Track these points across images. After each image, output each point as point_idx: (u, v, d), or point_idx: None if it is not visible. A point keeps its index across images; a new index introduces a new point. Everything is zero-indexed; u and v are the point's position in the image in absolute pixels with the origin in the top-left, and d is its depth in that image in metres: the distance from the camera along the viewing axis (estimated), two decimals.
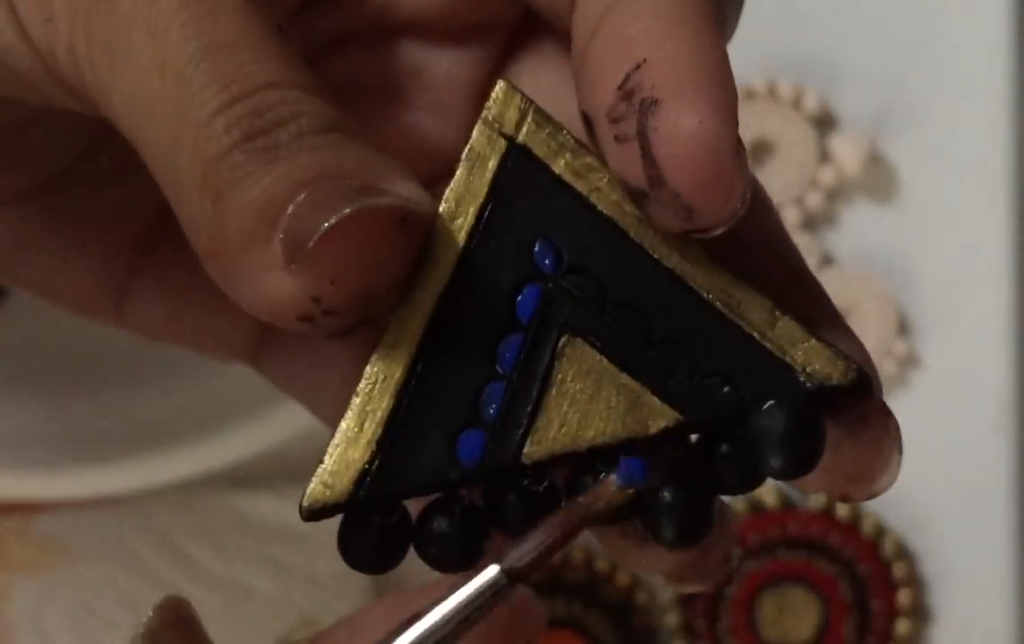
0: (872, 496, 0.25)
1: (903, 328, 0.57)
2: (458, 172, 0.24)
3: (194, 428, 0.51)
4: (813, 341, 0.23)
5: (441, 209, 0.24)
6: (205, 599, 0.53)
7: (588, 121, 0.24)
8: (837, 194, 0.57)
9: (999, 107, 0.57)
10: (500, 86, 0.24)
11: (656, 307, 0.24)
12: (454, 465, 0.23)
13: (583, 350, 0.24)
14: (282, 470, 0.54)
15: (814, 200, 0.57)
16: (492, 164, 0.24)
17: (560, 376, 0.23)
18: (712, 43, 0.23)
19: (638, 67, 0.22)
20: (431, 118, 0.28)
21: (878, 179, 0.57)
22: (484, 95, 0.25)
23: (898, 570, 0.56)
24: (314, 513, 0.23)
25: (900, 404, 0.58)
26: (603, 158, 0.24)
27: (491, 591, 0.22)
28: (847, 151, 0.57)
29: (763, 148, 0.57)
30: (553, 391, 0.23)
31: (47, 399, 0.52)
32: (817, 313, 0.25)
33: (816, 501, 0.56)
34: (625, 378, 0.23)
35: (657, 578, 0.25)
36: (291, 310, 0.22)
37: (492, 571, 0.22)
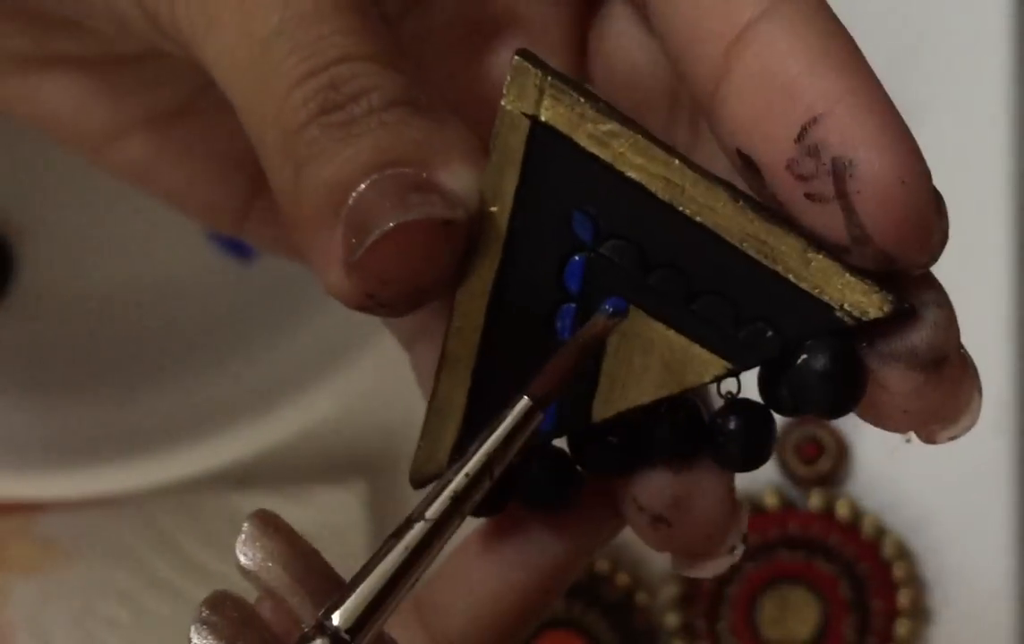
0: (954, 436, 0.25)
1: None
2: (489, 159, 0.25)
3: (194, 428, 0.51)
4: (848, 276, 0.24)
5: (483, 197, 0.24)
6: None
7: (750, 162, 0.24)
8: None
9: (999, 107, 0.56)
10: (515, 63, 0.25)
11: (694, 262, 0.24)
12: (534, 431, 0.25)
13: (631, 313, 0.25)
14: (282, 470, 0.54)
15: None
16: (519, 146, 0.24)
17: (613, 340, 0.25)
18: (879, 87, 0.24)
19: (815, 121, 0.23)
20: (533, 38, 0.29)
21: None
22: (581, 35, 0.27)
23: (898, 570, 0.56)
24: (421, 482, 0.26)
25: None
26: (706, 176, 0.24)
27: (523, 420, 0.24)
28: None
29: None
30: (609, 355, 0.25)
31: (47, 400, 0.52)
32: None
33: (816, 501, 0.56)
34: (672, 335, 0.24)
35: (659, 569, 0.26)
36: (350, 301, 0.24)
37: (522, 402, 0.23)
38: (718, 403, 0.26)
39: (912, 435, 0.25)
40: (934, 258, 0.24)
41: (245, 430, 0.50)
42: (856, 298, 0.24)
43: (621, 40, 0.29)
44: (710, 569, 0.26)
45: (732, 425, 0.25)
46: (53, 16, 0.30)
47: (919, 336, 0.24)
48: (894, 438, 0.26)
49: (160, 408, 0.52)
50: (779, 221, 0.24)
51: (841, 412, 0.24)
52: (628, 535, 0.27)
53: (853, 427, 0.57)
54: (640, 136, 0.24)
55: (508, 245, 0.24)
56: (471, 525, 0.27)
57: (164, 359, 0.53)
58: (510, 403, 0.23)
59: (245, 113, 0.25)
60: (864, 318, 0.24)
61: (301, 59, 0.24)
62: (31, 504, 0.53)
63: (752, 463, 0.25)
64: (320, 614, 0.22)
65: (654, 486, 0.26)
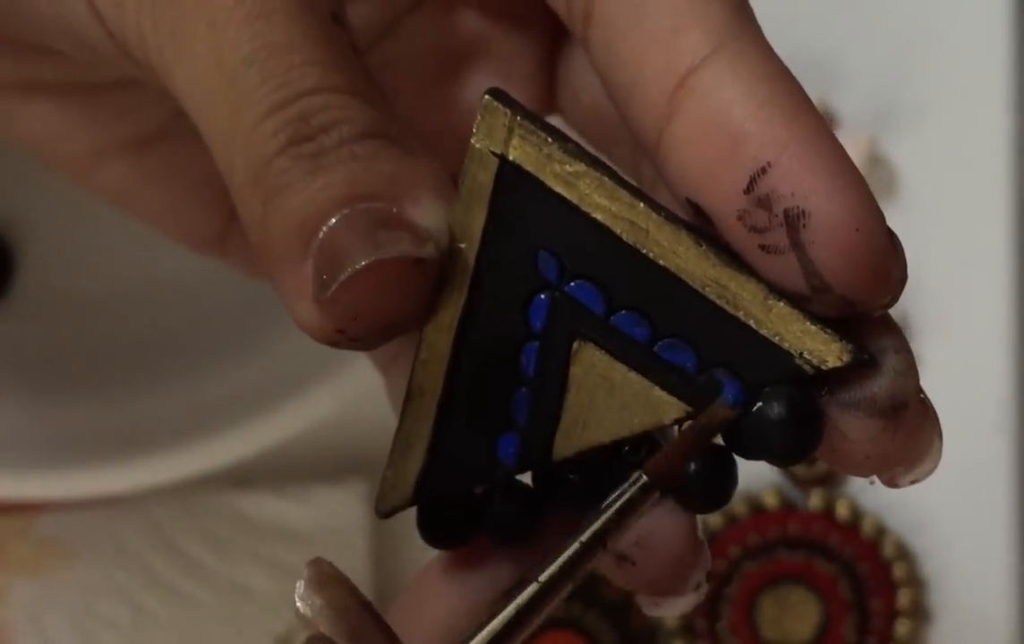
0: (916, 481, 0.26)
1: (903, 328, 0.57)
2: (459, 195, 0.25)
3: (194, 428, 0.51)
4: (808, 324, 0.24)
5: (452, 232, 0.24)
6: (205, 599, 0.53)
7: (700, 210, 0.24)
8: None
9: (999, 107, 0.57)
10: (485, 101, 0.25)
11: (656, 305, 0.24)
12: (496, 466, 0.25)
13: (594, 353, 0.25)
14: (282, 470, 0.54)
15: None
16: (487, 183, 0.25)
17: (576, 379, 0.25)
18: (827, 131, 0.23)
19: (763, 171, 0.23)
20: (497, 84, 0.29)
21: (878, 179, 0.57)
22: (550, 67, 0.27)
23: (898, 570, 0.56)
24: (387, 513, 0.26)
25: None
26: (648, 201, 0.24)
27: (639, 495, 0.24)
28: (847, 151, 0.57)
29: None
30: (572, 394, 0.25)
31: (47, 399, 0.52)
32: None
33: (816, 501, 0.56)
34: (634, 376, 0.25)
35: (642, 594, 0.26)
36: (320, 336, 0.24)
37: (641, 480, 0.24)
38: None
39: (875, 478, 0.26)
40: (895, 298, 0.24)
41: (245, 430, 0.50)
42: (815, 346, 0.24)
43: (587, 75, 0.29)
44: (678, 607, 0.26)
45: (693, 468, 0.25)
46: (29, 43, 0.29)
47: (878, 384, 0.24)
48: None
49: (160, 408, 0.52)
50: (741, 266, 0.24)
51: (797, 460, 0.25)
52: None
53: None
54: (607, 178, 0.24)
55: (475, 281, 0.25)
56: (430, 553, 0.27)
57: (164, 359, 0.53)
58: (629, 480, 0.24)
59: (214, 142, 0.25)
60: (823, 366, 0.24)
61: (272, 89, 0.24)
62: (31, 504, 0.53)
63: (713, 505, 0.25)
64: None
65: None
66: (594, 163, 0.24)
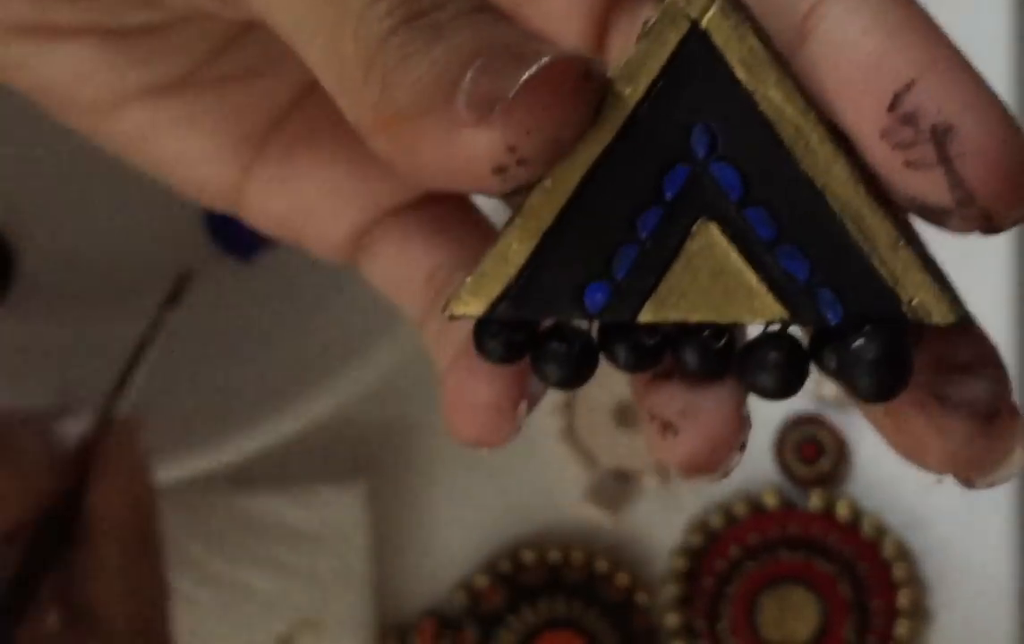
0: (992, 484, 0.26)
1: None
2: (637, 42, 0.25)
3: (194, 428, 0.51)
4: (926, 276, 0.24)
5: (616, 75, 0.25)
6: (205, 599, 0.53)
7: (837, 131, 0.24)
8: None
9: None
10: None
11: (790, 213, 0.25)
12: (579, 307, 0.25)
13: (714, 236, 0.25)
14: (282, 470, 0.54)
15: None
16: (672, 42, 0.25)
17: (688, 253, 0.25)
18: (961, 54, 0.24)
19: (908, 88, 0.23)
20: (550, 29, 0.29)
21: None
22: (602, 27, 0.27)
23: (898, 570, 0.56)
24: (455, 316, 0.26)
25: None
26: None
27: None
28: None
29: None
30: (679, 265, 0.25)
31: (47, 399, 0.52)
32: None
33: (816, 501, 0.56)
34: (745, 269, 0.25)
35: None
36: (486, 162, 0.23)
37: None
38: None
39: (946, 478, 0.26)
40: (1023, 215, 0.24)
41: (245, 430, 0.51)
42: (926, 298, 0.24)
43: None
44: (709, 479, 0.27)
45: (778, 360, 0.25)
46: None
47: (981, 387, 0.25)
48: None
49: (160, 408, 0.52)
50: (884, 204, 0.25)
51: (882, 399, 0.25)
52: (628, 537, 0.27)
53: (853, 427, 0.57)
54: (788, 78, 0.25)
55: (624, 129, 0.25)
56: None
57: (164, 359, 0.53)
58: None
59: (312, 39, 0.25)
60: (926, 320, 0.24)
61: None
62: None
63: (781, 393, 0.26)
64: None
65: (666, 394, 0.26)
66: (779, 58, 0.25)
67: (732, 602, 0.57)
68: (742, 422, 0.26)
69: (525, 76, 0.23)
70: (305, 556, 0.54)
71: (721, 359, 0.26)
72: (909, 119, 0.24)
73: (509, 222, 0.26)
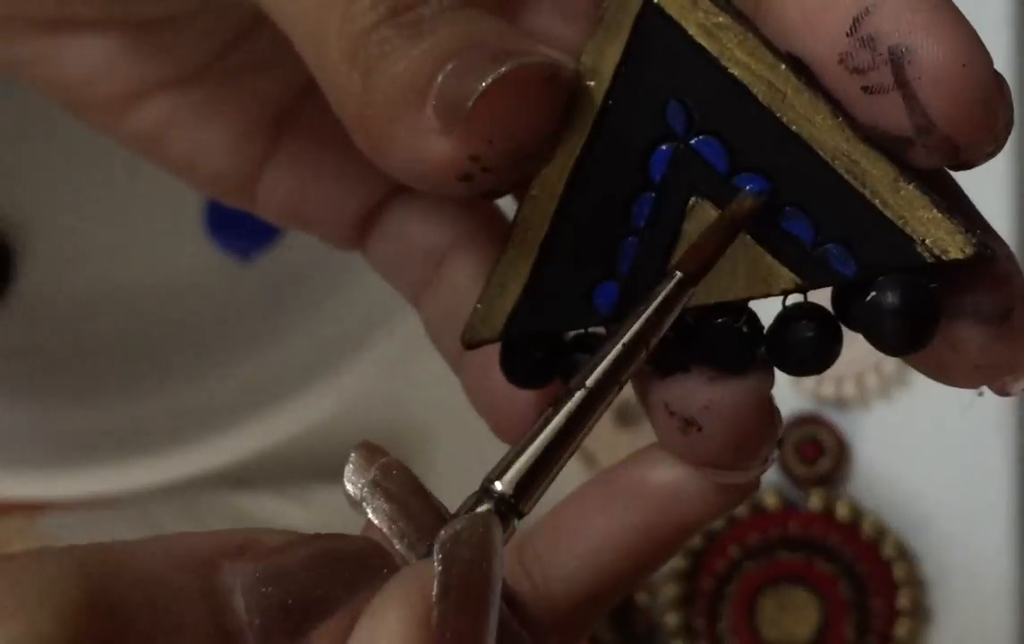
0: None
1: None
2: (594, 32, 0.24)
3: (194, 428, 0.51)
4: (935, 212, 0.23)
5: (581, 68, 0.24)
6: None
7: (800, 64, 0.24)
8: None
9: None
10: None
11: (782, 172, 0.24)
12: (591, 313, 0.25)
13: (710, 212, 0.24)
14: (282, 470, 0.54)
15: None
16: (627, 23, 0.24)
17: (688, 236, 0.24)
18: None
19: (867, 11, 0.22)
20: (557, 23, 0.29)
21: None
22: None
23: (898, 570, 0.56)
24: (473, 344, 0.25)
25: (901, 404, 0.58)
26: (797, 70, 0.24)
27: (675, 293, 0.24)
28: None
29: None
30: (681, 250, 0.24)
31: (47, 400, 0.52)
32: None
33: (816, 501, 0.56)
34: (749, 241, 0.24)
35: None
36: (451, 170, 0.23)
37: (676, 277, 0.23)
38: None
39: (985, 389, 0.25)
40: (999, 145, 0.23)
41: (245, 430, 0.51)
42: (939, 235, 0.23)
43: None
44: (742, 478, 0.26)
45: (803, 329, 0.24)
46: None
47: (983, 291, 0.24)
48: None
49: (160, 408, 0.52)
50: (876, 146, 0.23)
51: (909, 351, 0.24)
52: None
53: (853, 427, 0.57)
54: (751, 34, 0.24)
55: (598, 121, 0.24)
56: (579, 478, 0.27)
57: (164, 359, 0.53)
58: (664, 277, 0.23)
59: (301, 27, 0.25)
60: (944, 257, 0.23)
61: None
62: (31, 504, 0.53)
63: (812, 369, 0.25)
64: (484, 479, 0.23)
65: (687, 389, 0.25)
66: (739, 17, 0.24)
67: (732, 602, 0.56)
68: (773, 414, 0.25)
69: (483, 85, 0.22)
70: None
71: (745, 347, 0.25)
72: (867, 42, 0.23)
73: (505, 240, 0.25)
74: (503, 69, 0.22)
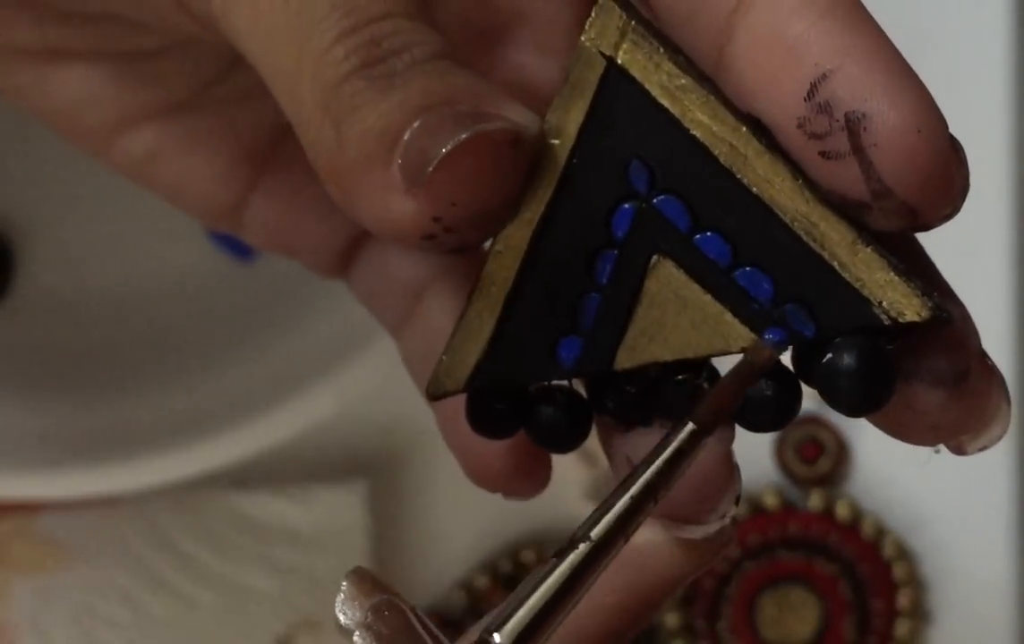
0: (986, 446, 0.25)
1: None
2: (560, 91, 0.25)
3: (194, 428, 0.51)
4: (892, 275, 0.24)
5: (547, 127, 0.24)
6: (205, 599, 0.53)
7: (761, 125, 0.24)
8: None
9: (999, 107, 0.56)
10: (600, 2, 0.25)
11: (742, 232, 0.24)
12: (555, 367, 0.25)
13: (671, 270, 0.25)
14: (282, 470, 0.54)
15: None
16: (591, 84, 0.24)
17: (650, 293, 0.25)
18: (886, 40, 0.23)
19: (824, 77, 0.23)
20: (534, 57, 0.29)
21: None
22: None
23: (898, 570, 0.56)
24: (437, 396, 0.26)
25: None
26: (732, 108, 0.24)
27: (687, 444, 0.23)
28: None
29: None
30: (643, 307, 0.25)
31: (47, 399, 0.52)
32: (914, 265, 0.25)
33: (816, 501, 0.56)
34: (708, 299, 0.24)
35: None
36: (415, 230, 0.23)
37: (688, 427, 0.23)
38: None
39: (942, 447, 0.25)
40: (956, 208, 0.23)
41: (245, 430, 0.50)
42: (896, 297, 0.24)
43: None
44: (699, 532, 0.26)
45: (766, 392, 0.25)
46: (62, 9, 0.30)
47: (939, 353, 0.24)
48: (903, 449, 0.26)
49: (160, 408, 0.52)
50: (835, 209, 0.24)
51: (866, 412, 0.24)
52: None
53: (853, 427, 0.57)
54: (712, 97, 0.24)
55: (563, 180, 0.25)
56: None
57: (164, 359, 0.53)
58: (676, 429, 0.23)
59: (277, 76, 0.25)
60: (900, 320, 0.24)
61: (341, 16, 0.24)
62: (31, 504, 0.53)
63: (772, 426, 0.25)
64: (483, 630, 0.22)
65: (648, 443, 0.25)
66: (702, 79, 0.24)
67: (732, 602, 0.57)
68: (733, 469, 0.26)
69: (444, 151, 0.23)
70: (305, 556, 0.54)
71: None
72: (824, 108, 0.23)
73: (470, 295, 0.25)
74: (464, 136, 0.23)
